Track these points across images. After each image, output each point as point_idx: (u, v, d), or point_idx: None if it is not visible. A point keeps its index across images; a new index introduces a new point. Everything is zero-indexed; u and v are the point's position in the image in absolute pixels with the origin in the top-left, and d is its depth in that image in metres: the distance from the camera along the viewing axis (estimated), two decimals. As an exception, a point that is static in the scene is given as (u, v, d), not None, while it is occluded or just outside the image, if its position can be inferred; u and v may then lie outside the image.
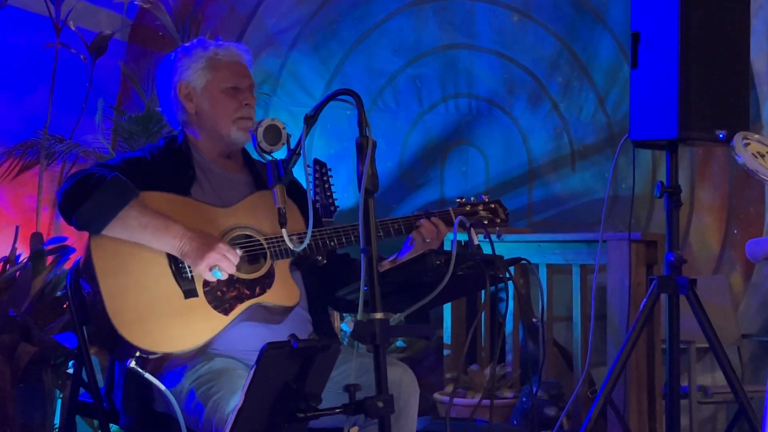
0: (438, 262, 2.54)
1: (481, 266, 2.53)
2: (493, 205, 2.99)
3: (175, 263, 2.69)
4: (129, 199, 2.65)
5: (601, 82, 5.91)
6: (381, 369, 2.21)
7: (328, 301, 2.97)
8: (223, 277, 2.67)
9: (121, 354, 2.64)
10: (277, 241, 2.76)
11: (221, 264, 2.65)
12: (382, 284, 2.23)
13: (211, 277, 2.66)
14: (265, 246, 2.77)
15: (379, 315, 2.21)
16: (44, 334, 3.88)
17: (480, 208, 2.98)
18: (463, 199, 3.00)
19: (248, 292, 2.73)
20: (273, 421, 2.19)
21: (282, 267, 2.78)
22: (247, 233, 2.77)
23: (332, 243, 2.79)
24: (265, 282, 2.75)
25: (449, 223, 2.89)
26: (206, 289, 2.69)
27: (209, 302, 2.69)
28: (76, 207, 2.63)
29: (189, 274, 2.69)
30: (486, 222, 2.94)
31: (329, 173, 4.17)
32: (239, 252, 2.69)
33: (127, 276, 2.65)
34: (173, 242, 2.65)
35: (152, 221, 2.65)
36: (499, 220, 2.97)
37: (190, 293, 2.68)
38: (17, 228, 4.18)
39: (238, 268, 2.70)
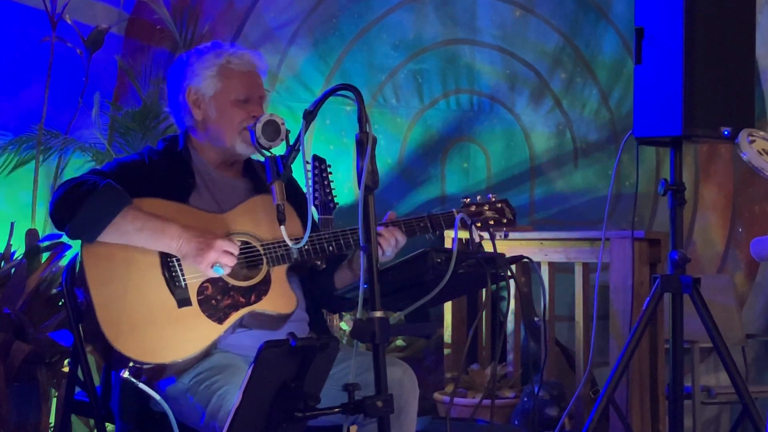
0: (438, 260, 2.52)
1: (482, 264, 2.52)
2: (499, 205, 2.91)
3: (169, 271, 2.64)
4: (122, 206, 2.61)
5: (604, 79, 5.88)
6: (380, 368, 2.20)
7: (322, 302, 2.93)
8: (226, 272, 2.63)
9: (116, 364, 2.60)
10: (274, 247, 2.71)
11: (222, 260, 2.62)
12: (381, 283, 2.21)
13: (214, 275, 2.63)
14: (262, 252, 2.72)
15: (378, 313, 2.18)
16: (39, 332, 3.85)
17: (486, 208, 2.89)
18: (468, 199, 2.91)
19: (243, 300, 2.68)
20: (271, 420, 2.17)
21: (279, 273, 2.73)
22: (243, 239, 2.72)
23: (331, 248, 2.73)
24: (261, 289, 2.70)
25: (448, 226, 2.81)
26: (200, 297, 2.65)
27: (203, 311, 2.64)
28: (68, 217, 2.60)
29: (182, 283, 2.65)
30: (492, 222, 2.87)
31: (329, 170, 4.13)
32: (238, 243, 2.66)
33: (119, 285, 2.60)
34: (170, 243, 2.62)
35: (148, 223, 2.61)
36: (505, 221, 2.89)
37: (183, 302, 2.63)
38: (12, 224, 4.14)
39: (234, 275, 2.67)
